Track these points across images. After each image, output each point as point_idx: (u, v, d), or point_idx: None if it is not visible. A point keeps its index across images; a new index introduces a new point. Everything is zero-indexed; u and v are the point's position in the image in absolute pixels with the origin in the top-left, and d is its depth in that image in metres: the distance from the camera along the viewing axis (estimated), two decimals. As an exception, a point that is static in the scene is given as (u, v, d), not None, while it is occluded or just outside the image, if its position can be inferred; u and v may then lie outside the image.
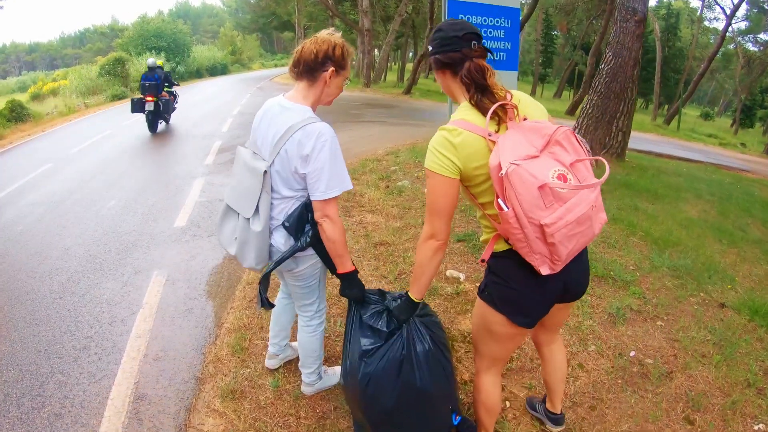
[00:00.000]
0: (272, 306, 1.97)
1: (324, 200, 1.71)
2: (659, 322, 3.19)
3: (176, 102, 11.69)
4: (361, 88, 22.45)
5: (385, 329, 1.77)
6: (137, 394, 2.47)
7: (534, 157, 1.34)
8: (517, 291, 1.56)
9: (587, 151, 1.44)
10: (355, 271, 1.88)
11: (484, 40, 1.67)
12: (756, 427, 2.36)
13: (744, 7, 23.57)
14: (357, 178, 5.95)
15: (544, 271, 1.41)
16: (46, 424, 2.29)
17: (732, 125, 36.65)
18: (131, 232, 4.69)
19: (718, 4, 28.78)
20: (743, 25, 29.69)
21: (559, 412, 2.14)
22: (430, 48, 1.57)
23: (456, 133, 1.45)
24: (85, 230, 4.79)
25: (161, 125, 10.78)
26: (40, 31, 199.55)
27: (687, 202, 6.37)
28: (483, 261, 1.60)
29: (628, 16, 6.07)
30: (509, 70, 6.02)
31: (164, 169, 7.19)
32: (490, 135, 1.41)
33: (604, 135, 6.78)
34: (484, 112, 1.44)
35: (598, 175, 1.40)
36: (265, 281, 1.88)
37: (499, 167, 1.32)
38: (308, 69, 1.76)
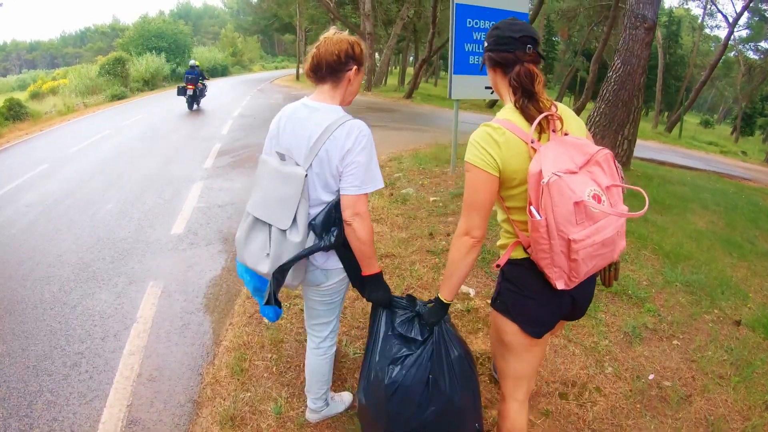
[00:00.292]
0: (279, 305, 1.80)
1: (358, 195, 1.64)
2: (675, 341, 3.09)
3: (206, 91, 15.59)
4: (361, 92, 22.30)
5: (418, 338, 1.70)
6: (130, 418, 2.33)
7: (573, 173, 1.33)
8: (530, 299, 1.54)
9: (622, 177, 1.46)
10: (381, 273, 1.80)
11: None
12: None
13: (745, 15, 23.52)
14: (359, 184, 5.81)
15: (560, 285, 1.41)
16: (33, 449, 2.15)
17: (732, 133, 36.68)
18: (126, 238, 4.55)
19: (720, 11, 28.78)
20: (744, 33, 29.73)
21: None
22: (485, 44, 1.56)
23: (500, 132, 1.42)
24: (79, 235, 4.66)
25: (195, 106, 14.67)
26: (41, 29, 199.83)
27: (694, 213, 6.28)
28: (498, 266, 1.59)
29: (637, 23, 5.95)
30: (516, 76, 5.94)
31: (162, 172, 7.05)
32: (532, 142, 1.40)
33: (611, 144, 6.65)
34: (527, 118, 1.44)
35: (627, 203, 1.44)
36: (279, 276, 1.69)
37: (541, 175, 1.31)
38: (331, 71, 1.71)
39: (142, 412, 2.37)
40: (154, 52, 30.01)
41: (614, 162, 1.44)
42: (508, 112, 1.48)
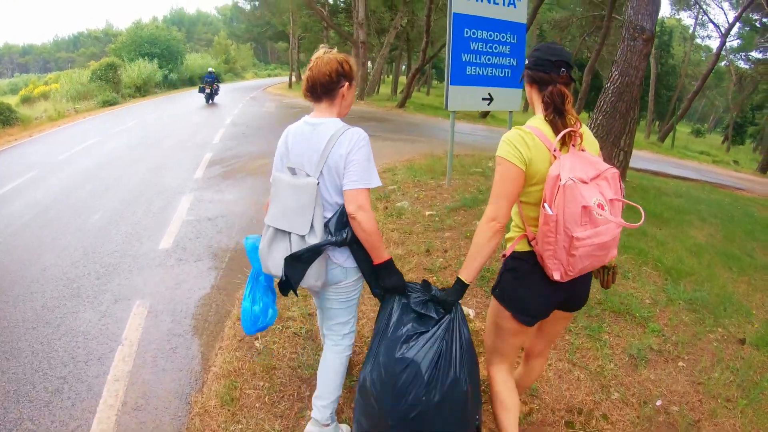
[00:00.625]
0: (293, 291, 1.91)
1: (359, 189, 1.78)
2: (681, 363, 3.01)
3: (219, 90, 20.29)
4: (354, 101, 22.26)
5: (433, 315, 1.78)
6: (113, 452, 2.19)
7: (584, 182, 1.55)
8: (526, 290, 1.76)
9: (623, 194, 1.66)
10: (391, 260, 1.90)
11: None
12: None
13: (736, 25, 23.76)
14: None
15: (556, 276, 1.62)
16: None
17: (723, 142, 37.03)
18: (113, 252, 4.41)
19: (711, 21, 29.08)
20: (735, 43, 30.04)
21: None
22: (527, 61, 1.76)
23: (531, 136, 1.64)
24: (65, 248, 4.53)
25: (210, 100, 18.93)
26: (34, 33, 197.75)
27: (692, 225, 6.24)
28: (504, 256, 1.82)
29: (636, 34, 5.89)
30: (514, 87, 5.86)
31: (151, 182, 6.91)
32: (555, 150, 1.61)
33: (608, 156, 6.59)
34: (555, 130, 1.66)
35: (625, 216, 1.66)
36: (291, 262, 1.81)
37: (559, 178, 1.52)
38: (326, 90, 1.88)
39: (126, 446, 2.23)
40: (146, 58, 29.85)
41: (619, 180, 1.65)
42: (538, 121, 1.70)
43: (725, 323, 3.57)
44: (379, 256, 1.86)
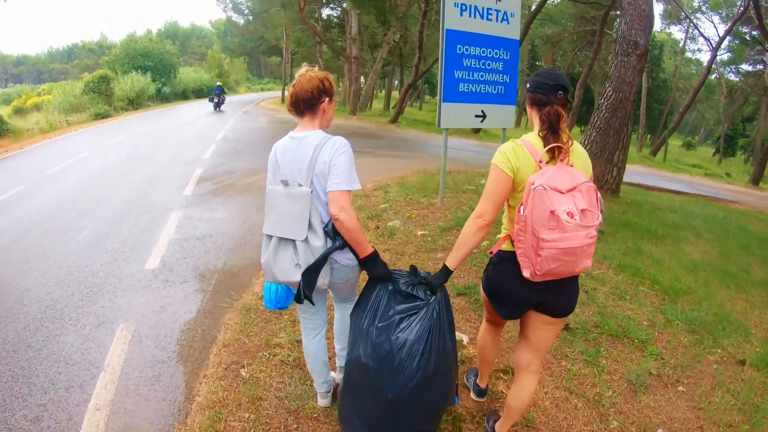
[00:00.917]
0: (309, 300, 2.05)
1: (341, 191, 1.93)
2: (680, 388, 2.93)
3: (225, 99, 23.62)
4: (346, 116, 22.28)
5: (421, 296, 1.98)
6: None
7: (560, 192, 1.71)
8: (503, 284, 1.98)
9: (601, 209, 1.81)
10: (376, 252, 2.08)
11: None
12: None
13: (726, 38, 24.03)
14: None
15: (526, 274, 1.81)
16: None
17: (714, 154, 37.33)
18: (98, 273, 4.29)
19: (702, 35, 29.44)
20: (725, 56, 30.41)
21: (483, 387, 2.41)
22: (528, 84, 1.98)
23: (521, 148, 1.86)
24: (49, 267, 4.41)
25: (218, 108, 22.20)
26: (29, 43, 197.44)
27: (688, 242, 6.19)
28: (491, 253, 2.03)
29: (629, 49, 5.89)
30: (507, 104, 5.81)
31: (140, 199, 6.80)
32: (540, 161, 1.81)
33: (602, 172, 6.58)
34: (545, 144, 1.85)
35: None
36: (308, 276, 1.98)
37: (532, 183, 1.72)
38: (308, 105, 2.05)
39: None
40: (139, 71, 29.78)
41: (596, 194, 1.80)
42: (532, 136, 1.91)
43: (724, 343, 3.52)
44: (364, 250, 2.04)
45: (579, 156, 1.92)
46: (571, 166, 1.84)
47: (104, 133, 15.07)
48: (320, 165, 1.96)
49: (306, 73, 2.05)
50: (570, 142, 1.86)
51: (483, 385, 2.54)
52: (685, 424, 2.60)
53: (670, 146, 25.89)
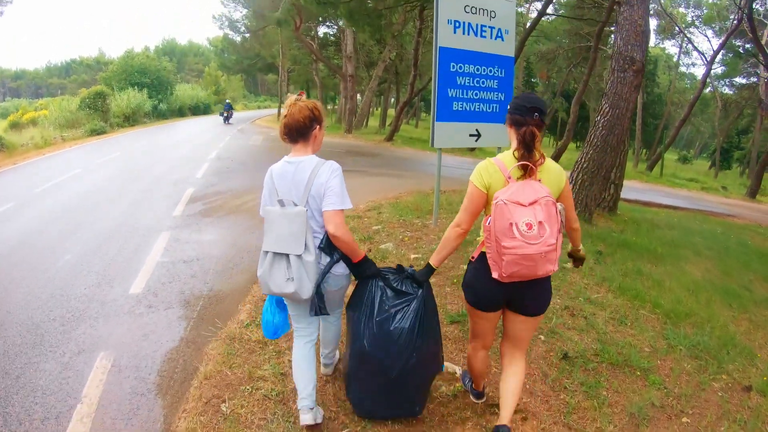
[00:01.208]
0: (324, 312, 2.27)
1: (336, 210, 2.16)
2: (685, 419, 2.80)
3: (232, 115, 28.05)
4: (342, 135, 22.26)
5: (410, 290, 2.33)
6: None
7: (522, 205, 1.95)
8: (479, 283, 2.22)
9: (560, 220, 2.03)
10: (366, 255, 2.37)
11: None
12: None
13: (720, 51, 24.21)
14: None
15: (494, 275, 2.05)
16: None
17: (710, 168, 37.41)
18: (81, 297, 4.16)
19: (696, 50, 29.74)
20: (719, 70, 30.63)
21: (503, 424, 2.32)
22: (508, 107, 2.18)
23: (493, 166, 2.11)
24: (32, 290, 4.29)
25: (228, 123, 24.84)
26: (27, 58, 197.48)
27: (688, 260, 6.09)
28: (473, 258, 2.26)
29: (626, 65, 5.81)
30: (502, 122, 5.70)
31: (129, 219, 6.67)
32: (509, 178, 2.06)
33: (600, 190, 6.49)
34: (520, 161, 2.06)
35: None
36: (319, 292, 2.22)
37: (497, 198, 1.99)
38: (300, 134, 2.24)
39: None
40: (136, 87, 29.80)
41: (555, 207, 2.00)
42: (506, 155, 2.13)
43: (729, 369, 3.40)
44: (358, 256, 2.31)
45: (548, 171, 2.13)
46: (539, 181, 2.05)
47: (98, 150, 14.99)
48: (316, 187, 2.16)
49: (296, 103, 2.23)
50: (542, 160, 2.08)
51: (480, 389, 2.67)
52: (691, 460, 2.47)
53: (666, 161, 25.92)
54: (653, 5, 23.03)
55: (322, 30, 31.02)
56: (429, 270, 2.33)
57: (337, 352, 2.92)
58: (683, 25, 29.55)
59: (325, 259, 2.27)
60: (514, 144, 2.11)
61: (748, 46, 24.15)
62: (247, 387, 2.76)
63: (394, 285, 2.34)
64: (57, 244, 5.54)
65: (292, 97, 2.26)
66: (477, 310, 2.28)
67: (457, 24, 5.20)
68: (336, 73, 26.22)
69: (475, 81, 5.41)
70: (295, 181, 2.19)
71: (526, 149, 2.04)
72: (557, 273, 4.56)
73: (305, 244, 2.16)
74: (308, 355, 2.46)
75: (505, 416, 2.28)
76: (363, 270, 2.35)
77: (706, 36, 47.06)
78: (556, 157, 19.32)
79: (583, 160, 6.20)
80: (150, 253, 5.23)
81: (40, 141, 16.88)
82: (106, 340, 3.47)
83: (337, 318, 2.66)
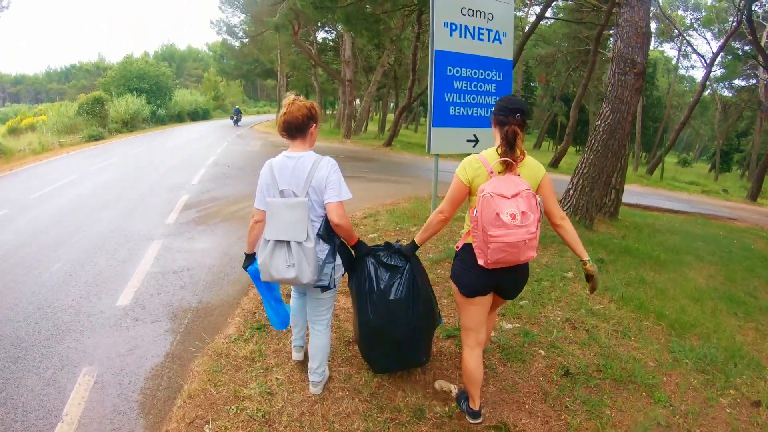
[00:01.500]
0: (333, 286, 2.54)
1: (338, 202, 2.38)
2: (692, 439, 2.66)
3: (241, 119, 31.37)
4: (340, 140, 22.18)
5: (399, 264, 2.66)
6: None
7: (505, 197, 2.10)
8: (467, 272, 2.36)
9: (539, 211, 2.18)
10: (359, 239, 2.64)
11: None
12: None
13: (720, 54, 24.16)
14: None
15: (480, 262, 2.19)
16: None
17: (710, 170, 37.32)
18: (67, 308, 4.04)
19: (696, 52, 29.63)
20: (719, 72, 30.58)
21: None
22: (493, 108, 2.38)
23: (477, 161, 2.29)
24: (19, 301, 4.18)
25: (237, 125, 26.72)
26: (27, 63, 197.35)
27: (691, 267, 5.96)
28: (458, 248, 2.45)
29: (626, 68, 5.69)
30: (500, 126, 5.60)
31: (121, 227, 6.55)
32: (491, 172, 2.23)
33: (600, 195, 6.36)
34: (502, 158, 2.23)
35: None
36: (343, 253, 2.63)
37: (482, 190, 2.14)
38: (299, 130, 2.44)
39: None
40: (134, 93, 29.75)
41: (535, 199, 2.16)
42: (489, 151, 2.32)
43: (737, 383, 3.27)
44: (353, 239, 2.59)
45: (527, 167, 2.30)
46: (518, 175, 2.22)
47: (95, 156, 14.90)
48: (317, 179, 2.37)
49: (295, 102, 2.41)
50: (522, 156, 2.26)
51: (476, 408, 2.66)
52: (700, 483, 2.34)
53: (666, 164, 25.83)
54: (652, 8, 23.01)
55: (320, 35, 31.10)
56: (414, 246, 2.67)
57: (327, 370, 2.87)
58: (682, 28, 29.54)
59: (323, 245, 2.47)
60: (498, 141, 2.29)
61: (747, 48, 24.14)
62: (232, 407, 2.63)
63: (384, 260, 2.67)
64: (47, 252, 5.43)
65: (290, 96, 2.43)
66: (469, 297, 2.39)
67: (454, 27, 5.07)
68: (335, 78, 26.21)
69: (472, 85, 5.28)
70: (295, 174, 2.38)
71: (509, 146, 2.22)
72: (559, 284, 4.49)
73: (306, 232, 2.33)
74: (303, 305, 2.90)
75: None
76: (358, 250, 2.66)
77: (705, 38, 47.15)
78: (556, 161, 19.24)
79: (583, 165, 6.08)
80: (140, 263, 5.11)
81: (38, 147, 16.87)
82: (91, 354, 3.35)
83: (325, 327, 2.75)
